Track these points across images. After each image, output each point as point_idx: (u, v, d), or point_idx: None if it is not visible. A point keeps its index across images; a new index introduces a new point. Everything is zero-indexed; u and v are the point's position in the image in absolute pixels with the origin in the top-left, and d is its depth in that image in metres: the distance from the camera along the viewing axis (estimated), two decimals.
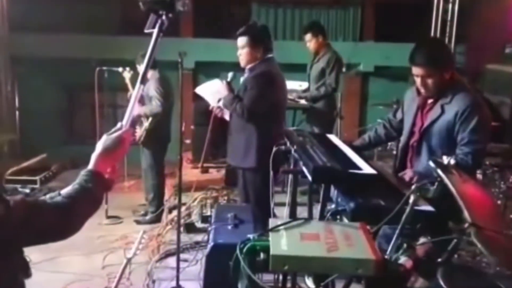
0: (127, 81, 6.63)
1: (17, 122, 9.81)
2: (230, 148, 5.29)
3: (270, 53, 5.06)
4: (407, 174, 3.70)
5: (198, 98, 5.99)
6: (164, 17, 2.41)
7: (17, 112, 9.80)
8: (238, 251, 2.25)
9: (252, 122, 4.95)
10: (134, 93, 2.43)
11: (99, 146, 2.21)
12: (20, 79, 9.62)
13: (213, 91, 5.34)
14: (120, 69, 6.66)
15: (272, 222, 2.42)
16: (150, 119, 6.54)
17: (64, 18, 8.75)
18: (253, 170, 5.01)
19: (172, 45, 4.90)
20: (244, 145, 5.02)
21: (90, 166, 2.17)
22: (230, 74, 5.21)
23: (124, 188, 7.91)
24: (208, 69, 9.30)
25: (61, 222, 2.02)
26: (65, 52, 9.05)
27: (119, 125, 2.30)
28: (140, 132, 6.60)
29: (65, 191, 2.07)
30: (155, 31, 2.41)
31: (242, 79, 5.19)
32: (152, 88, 6.50)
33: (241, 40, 5.00)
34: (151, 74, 6.49)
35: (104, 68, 6.65)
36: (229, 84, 5.15)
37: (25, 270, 2.05)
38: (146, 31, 2.44)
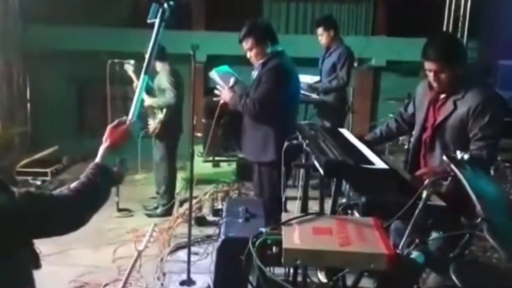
0: (130, 73, 6.59)
1: (28, 115, 9.84)
2: (246, 144, 5.22)
3: (277, 43, 5.00)
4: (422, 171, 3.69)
5: (209, 92, 5.96)
6: (165, 5, 2.42)
7: (28, 105, 9.83)
8: (250, 245, 2.25)
9: (268, 116, 4.87)
10: (139, 84, 2.44)
11: (106, 139, 2.22)
12: (31, 71, 9.65)
13: (226, 75, 5.25)
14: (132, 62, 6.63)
15: (284, 216, 2.41)
16: (164, 110, 6.50)
17: (76, 11, 8.75)
18: (271, 164, 4.90)
19: (183, 38, 4.87)
20: (262, 140, 4.95)
21: (97, 159, 2.18)
22: (232, 79, 5.13)
23: (135, 181, 7.92)
24: (220, 63, 9.24)
25: (68, 215, 2.03)
26: (76, 45, 9.09)
27: (124, 118, 2.31)
28: (154, 124, 6.58)
29: (73, 185, 2.07)
30: (157, 20, 2.41)
31: (253, 73, 5.15)
32: (164, 80, 6.46)
33: (247, 43, 4.92)
34: (161, 66, 6.47)
35: (116, 61, 6.62)
36: (231, 88, 5.08)
37: (35, 262, 2.06)
38: (149, 21, 2.45)
